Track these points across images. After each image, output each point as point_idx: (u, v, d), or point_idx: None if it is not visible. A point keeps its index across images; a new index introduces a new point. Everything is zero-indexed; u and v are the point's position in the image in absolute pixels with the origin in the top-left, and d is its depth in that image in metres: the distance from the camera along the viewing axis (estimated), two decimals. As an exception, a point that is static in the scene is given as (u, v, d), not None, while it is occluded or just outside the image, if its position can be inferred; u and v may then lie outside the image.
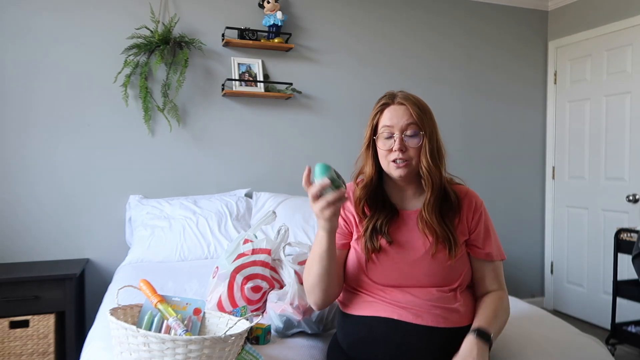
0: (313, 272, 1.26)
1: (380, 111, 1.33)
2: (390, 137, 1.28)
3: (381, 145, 1.30)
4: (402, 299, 1.25)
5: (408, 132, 1.27)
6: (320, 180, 1.11)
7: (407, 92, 1.34)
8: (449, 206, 1.32)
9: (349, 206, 1.37)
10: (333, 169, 1.14)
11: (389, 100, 1.33)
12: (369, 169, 1.35)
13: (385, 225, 1.30)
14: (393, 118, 1.29)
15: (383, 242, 1.30)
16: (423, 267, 1.27)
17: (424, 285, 1.27)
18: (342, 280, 1.36)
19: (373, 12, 3.42)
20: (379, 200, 1.35)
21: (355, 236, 1.36)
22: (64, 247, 2.77)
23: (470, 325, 1.28)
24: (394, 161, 1.28)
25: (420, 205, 1.34)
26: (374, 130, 1.33)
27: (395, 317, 1.24)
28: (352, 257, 1.35)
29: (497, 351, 1.43)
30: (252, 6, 3.12)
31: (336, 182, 1.12)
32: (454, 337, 1.24)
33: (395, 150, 1.27)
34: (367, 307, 1.28)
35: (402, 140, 1.27)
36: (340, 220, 1.36)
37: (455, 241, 1.28)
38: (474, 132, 3.72)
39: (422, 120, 1.28)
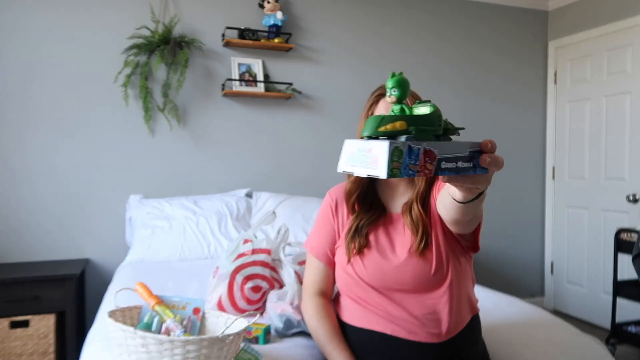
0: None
1: (375, 102, 1.28)
2: None
3: None
4: (395, 313, 1.22)
5: None
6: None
7: None
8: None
9: (342, 209, 1.34)
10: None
11: (384, 90, 1.27)
12: None
13: (366, 227, 1.27)
14: (388, 109, 1.23)
15: (364, 243, 1.26)
16: (408, 270, 1.22)
17: (413, 290, 1.22)
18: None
19: (373, 12, 3.42)
20: (367, 199, 1.32)
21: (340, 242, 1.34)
22: (64, 247, 2.78)
23: (462, 330, 1.25)
24: None
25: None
26: None
27: (389, 333, 1.22)
28: (339, 259, 1.32)
29: (498, 351, 1.43)
30: (252, 6, 3.12)
31: None
32: (447, 349, 1.22)
33: None
34: (360, 318, 1.27)
35: None
36: (331, 230, 1.35)
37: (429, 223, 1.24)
38: (474, 132, 3.71)
39: None
